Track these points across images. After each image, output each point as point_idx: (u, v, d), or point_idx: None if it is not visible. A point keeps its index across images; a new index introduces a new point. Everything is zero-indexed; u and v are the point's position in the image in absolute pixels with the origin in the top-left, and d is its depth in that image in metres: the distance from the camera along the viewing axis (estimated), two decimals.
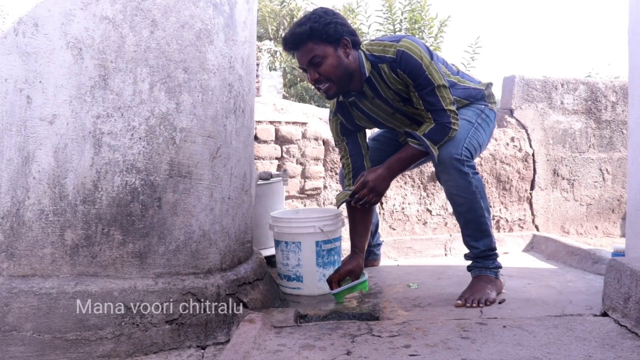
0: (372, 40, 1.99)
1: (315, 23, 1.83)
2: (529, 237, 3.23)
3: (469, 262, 2.04)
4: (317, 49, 1.84)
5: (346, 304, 1.96)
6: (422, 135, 1.90)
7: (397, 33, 7.49)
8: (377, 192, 1.95)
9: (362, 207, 2.00)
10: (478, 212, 1.94)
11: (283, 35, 1.96)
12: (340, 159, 2.18)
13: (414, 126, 2.03)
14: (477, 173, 1.96)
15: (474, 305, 1.83)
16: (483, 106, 2.10)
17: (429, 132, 1.89)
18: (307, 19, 1.86)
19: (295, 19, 8.15)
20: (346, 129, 2.11)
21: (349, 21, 8.58)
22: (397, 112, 2.02)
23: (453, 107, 1.89)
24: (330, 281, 1.99)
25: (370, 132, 2.46)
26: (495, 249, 2.01)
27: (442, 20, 7.47)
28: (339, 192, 2.19)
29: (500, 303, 1.89)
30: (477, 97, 2.11)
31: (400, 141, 2.23)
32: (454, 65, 2.15)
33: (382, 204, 3.16)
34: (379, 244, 2.68)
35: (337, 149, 2.23)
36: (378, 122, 2.12)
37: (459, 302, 1.86)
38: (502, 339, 1.42)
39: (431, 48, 2.14)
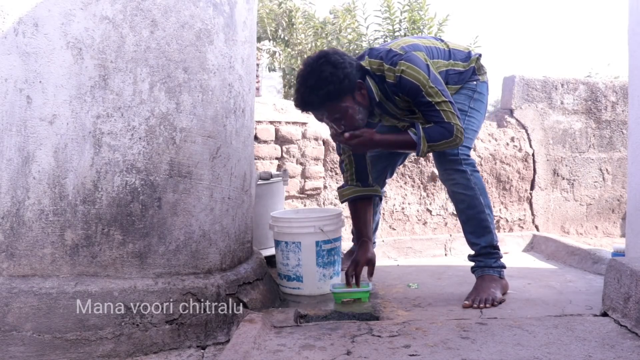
0: (372, 55, 1.92)
1: (331, 84, 1.75)
2: (529, 237, 3.24)
3: (472, 263, 2.04)
4: (337, 107, 1.81)
5: (346, 304, 1.96)
6: (422, 128, 1.84)
7: (397, 34, 7.48)
8: (359, 148, 1.92)
9: (341, 141, 1.93)
10: (478, 209, 1.96)
11: (294, 97, 1.85)
12: (342, 165, 2.14)
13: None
14: (477, 171, 1.99)
15: (481, 305, 1.83)
16: (475, 83, 2.08)
17: (429, 128, 1.84)
18: (318, 79, 1.76)
19: (293, 19, 8.12)
20: None
21: (348, 22, 8.54)
22: (403, 121, 2.03)
23: (457, 121, 1.83)
24: (348, 274, 1.96)
25: None
26: (497, 246, 2.01)
27: (442, 20, 7.48)
28: (341, 187, 2.15)
29: (500, 303, 1.89)
30: (468, 75, 2.07)
31: (400, 128, 2.23)
32: (443, 42, 2.09)
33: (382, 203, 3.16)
34: (375, 243, 2.69)
35: (340, 162, 2.18)
36: (384, 129, 2.14)
37: (467, 302, 1.86)
38: (502, 339, 1.42)
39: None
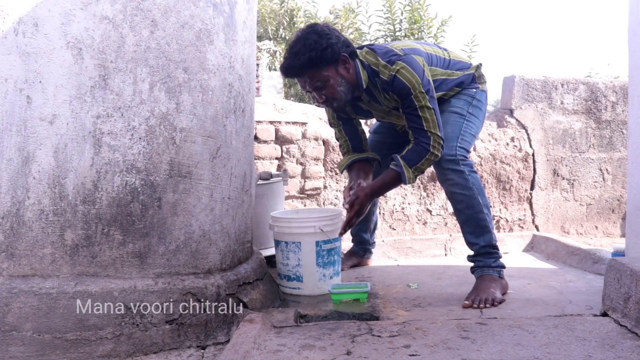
0: (369, 49, 1.98)
1: (313, 51, 1.84)
2: (529, 237, 3.23)
3: (472, 264, 2.04)
4: (318, 74, 1.88)
5: (345, 304, 1.96)
6: (399, 157, 1.94)
7: (397, 34, 7.48)
8: (362, 214, 2.01)
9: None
10: (476, 208, 1.97)
11: (281, 63, 1.96)
12: (337, 139, 2.25)
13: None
14: (475, 171, 2.00)
15: (481, 305, 1.83)
16: (474, 90, 2.12)
17: (406, 153, 1.94)
18: (302, 46, 1.85)
19: (295, 17, 8.13)
20: (341, 117, 2.18)
21: (349, 22, 8.51)
22: (392, 111, 2.07)
23: (437, 131, 1.90)
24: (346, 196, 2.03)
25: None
26: (496, 246, 2.01)
27: (442, 20, 7.49)
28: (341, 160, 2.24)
29: (500, 303, 1.89)
30: (467, 81, 2.12)
31: (397, 130, 2.28)
32: (445, 51, 2.13)
33: (382, 203, 3.16)
34: (374, 243, 2.69)
35: (334, 133, 2.31)
36: (373, 116, 2.20)
37: (467, 302, 1.86)
38: (502, 339, 1.42)
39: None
